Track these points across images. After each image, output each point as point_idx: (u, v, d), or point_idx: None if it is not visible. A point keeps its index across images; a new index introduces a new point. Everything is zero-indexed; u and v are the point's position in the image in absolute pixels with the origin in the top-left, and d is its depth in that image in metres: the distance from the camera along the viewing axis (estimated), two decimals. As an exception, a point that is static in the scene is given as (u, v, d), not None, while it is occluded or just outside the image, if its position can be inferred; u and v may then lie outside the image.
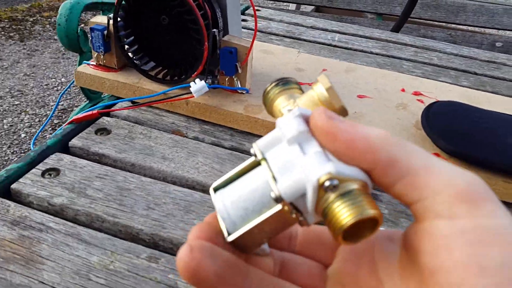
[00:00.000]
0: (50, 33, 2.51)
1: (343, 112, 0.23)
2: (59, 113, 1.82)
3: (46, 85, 2.02)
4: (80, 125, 0.55)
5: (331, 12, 1.91)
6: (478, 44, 1.71)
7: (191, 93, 0.54)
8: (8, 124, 1.74)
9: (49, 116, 0.56)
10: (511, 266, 0.17)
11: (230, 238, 0.20)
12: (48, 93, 1.97)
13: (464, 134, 0.54)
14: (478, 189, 0.19)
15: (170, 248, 0.41)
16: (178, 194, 0.46)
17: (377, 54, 0.95)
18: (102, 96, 0.82)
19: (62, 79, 2.07)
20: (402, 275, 0.20)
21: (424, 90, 0.69)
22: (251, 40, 0.57)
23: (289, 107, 0.24)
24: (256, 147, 0.23)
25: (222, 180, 0.22)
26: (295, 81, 0.25)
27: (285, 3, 2.04)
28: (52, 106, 1.86)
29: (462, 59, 0.99)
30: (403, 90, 0.69)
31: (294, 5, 2.10)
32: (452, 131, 0.54)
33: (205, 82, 0.55)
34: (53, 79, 2.07)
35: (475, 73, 0.92)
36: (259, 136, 0.57)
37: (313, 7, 2.00)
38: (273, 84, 0.25)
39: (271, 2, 1.87)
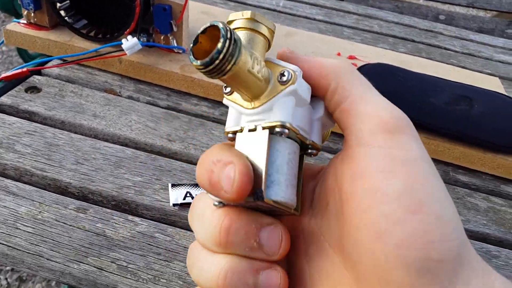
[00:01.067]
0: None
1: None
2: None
3: (-16, 52, 1.92)
4: (10, 84, 0.53)
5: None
6: (423, 16, 1.76)
7: (123, 50, 0.54)
8: None
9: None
10: (408, 194, 0.18)
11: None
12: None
13: (389, 93, 0.56)
14: (400, 123, 0.20)
15: (100, 201, 0.41)
16: (109, 150, 0.46)
17: (320, 20, 0.96)
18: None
19: (3, 48, 1.97)
20: (329, 200, 0.22)
21: (360, 54, 0.72)
22: (185, -2, 0.56)
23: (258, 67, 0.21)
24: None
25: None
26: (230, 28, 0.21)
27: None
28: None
29: (402, 27, 1.02)
30: (339, 54, 0.71)
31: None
32: (380, 92, 0.56)
33: (138, 39, 0.54)
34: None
35: (413, 41, 0.95)
36: (196, 96, 0.58)
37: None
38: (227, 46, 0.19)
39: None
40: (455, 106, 0.56)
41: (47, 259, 0.35)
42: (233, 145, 0.22)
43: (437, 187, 0.19)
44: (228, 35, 0.19)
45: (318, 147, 0.23)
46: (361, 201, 0.19)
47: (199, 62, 0.19)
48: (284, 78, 0.21)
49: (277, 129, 0.21)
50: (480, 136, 0.53)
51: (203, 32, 0.20)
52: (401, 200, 0.18)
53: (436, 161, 0.56)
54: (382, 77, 0.60)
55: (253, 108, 0.22)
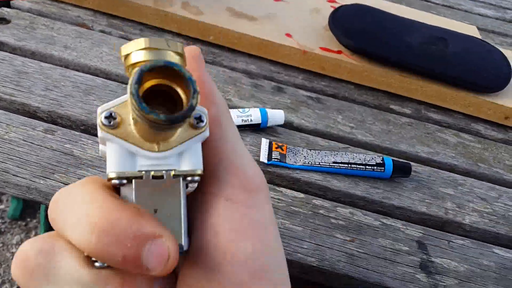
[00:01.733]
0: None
1: None
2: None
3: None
4: (-24, 14, 0.52)
5: None
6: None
7: (96, -17, 0.52)
8: None
9: None
10: (255, 259, 0.18)
11: None
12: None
13: (366, 33, 0.56)
14: (259, 181, 0.20)
15: (69, 125, 0.41)
16: (79, 79, 0.45)
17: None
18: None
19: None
20: None
21: (339, -2, 0.71)
22: None
23: None
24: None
25: None
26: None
27: None
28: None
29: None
30: (319, -4, 0.70)
31: None
32: (355, 30, 0.56)
33: (110, -30, 0.53)
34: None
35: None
36: (170, 32, 0.57)
37: None
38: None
39: None
40: (431, 45, 0.56)
41: (13, 175, 0.34)
42: (114, 192, 0.18)
43: (279, 252, 0.19)
44: (197, 87, 0.17)
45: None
46: (212, 257, 0.18)
47: (164, 117, 0.16)
48: (202, 124, 0.19)
49: (189, 178, 0.18)
50: (453, 74, 0.54)
51: (150, 70, 0.16)
52: (248, 264, 0.18)
53: (408, 99, 0.56)
54: (358, 16, 0.59)
55: (159, 151, 0.18)
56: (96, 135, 0.40)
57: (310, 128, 0.48)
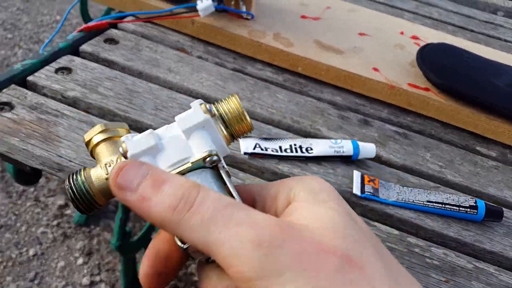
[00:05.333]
0: (47, -34, 2.45)
1: None
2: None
3: (40, 21, 1.99)
4: (90, 34, 0.56)
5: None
6: (480, 11, 1.72)
7: (197, 11, 0.56)
8: (1, 57, 1.73)
9: (59, 24, 0.58)
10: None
11: None
12: (42, 29, 1.94)
13: (454, 71, 0.57)
14: None
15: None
16: (184, 101, 0.49)
17: (380, 2, 0.96)
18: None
19: (57, 17, 2.03)
20: None
21: (422, 35, 0.72)
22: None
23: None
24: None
25: None
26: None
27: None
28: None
29: (461, 16, 1.01)
30: (401, 33, 0.72)
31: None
32: (443, 68, 0.57)
33: (212, 1, 0.56)
34: (48, 16, 2.03)
35: (472, 31, 0.94)
36: (261, 61, 0.60)
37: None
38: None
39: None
40: (519, 89, 0.56)
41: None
42: None
43: None
44: (71, 195, 0.24)
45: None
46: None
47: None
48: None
49: (208, 159, 0.24)
50: (543, 120, 0.53)
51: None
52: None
53: (494, 141, 0.56)
54: (446, 55, 0.60)
55: None
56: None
57: (399, 163, 0.49)
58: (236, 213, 0.20)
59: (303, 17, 0.68)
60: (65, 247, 1.11)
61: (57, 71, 0.48)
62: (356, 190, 0.42)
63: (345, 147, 0.45)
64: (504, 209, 0.45)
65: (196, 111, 0.24)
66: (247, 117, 0.26)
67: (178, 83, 0.52)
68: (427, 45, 0.62)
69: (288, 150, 0.44)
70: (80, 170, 0.25)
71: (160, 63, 0.54)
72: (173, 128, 0.25)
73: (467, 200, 0.42)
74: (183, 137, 0.24)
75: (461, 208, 0.42)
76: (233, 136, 0.26)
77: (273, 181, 0.24)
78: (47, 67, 0.48)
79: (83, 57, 0.53)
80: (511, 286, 0.38)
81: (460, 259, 0.39)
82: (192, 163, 0.23)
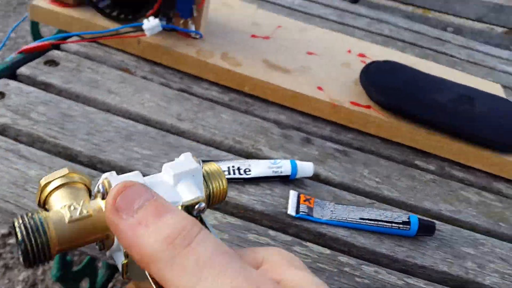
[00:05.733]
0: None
1: None
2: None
3: (-6, 38, 1.95)
4: (30, 56, 0.55)
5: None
6: (432, 27, 1.78)
7: (143, 31, 0.56)
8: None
9: (1, 44, 0.57)
10: None
11: None
12: (-3, 46, 1.89)
13: (396, 89, 0.58)
14: None
15: (108, 170, 0.43)
16: (121, 124, 0.48)
17: (333, 21, 0.98)
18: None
19: (13, 35, 1.99)
20: None
21: (370, 53, 0.74)
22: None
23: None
24: None
25: None
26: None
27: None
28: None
29: (411, 33, 1.04)
30: (349, 51, 0.73)
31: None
32: (386, 86, 0.59)
33: (160, 20, 0.56)
34: (1, 33, 1.99)
35: (421, 46, 0.97)
36: (208, 82, 0.60)
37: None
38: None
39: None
40: (458, 104, 0.58)
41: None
42: None
43: None
44: (22, 244, 0.21)
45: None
46: None
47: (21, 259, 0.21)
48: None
49: (196, 207, 0.24)
50: (479, 134, 0.55)
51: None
52: None
53: (433, 155, 0.57)
54: (390, 73, 0.62)
55: None
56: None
57: (336, 181, 0.49)
58: (233, 263, 0.18)
59: (253, 36, 0.69)
60: (6, 280, 1.06)
61: (-11, 95, 0.47)
62: (291, 210, 0.42)
63: (284, 167, 0.46)
64: (438, 222, 0.46)
65: (188, 159, 0.25)
66: (225, 180, 0.27)
67: (117, 105, 0.51)
68: (371, 63, 0.63)
69: (226, 173, 0.44)
70: (31, 213, 0.22)
71: (100, 85, 0.54)
72: (158, 176, 0.24)
73: (400, 216, 0.43)
74: (171, 181, 0.24)
75: (393, 224, 0.42)
76: (208, 199, 0.26)
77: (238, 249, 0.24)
78: (-21, 92, 0.47)
79: (20, 80, 0.52)
80: (438, 301, 0.38)
81: (391, 276, 0.39)
82: (181, 206, 0.23)
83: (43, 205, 0.24)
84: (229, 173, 0.44)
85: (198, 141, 0.50)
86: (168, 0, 0.58)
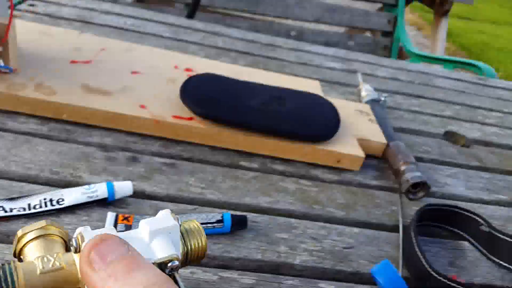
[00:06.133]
0: None
1: None
2: None
3: None
4: None
5: (148, 2, 1.94)
6: (276, 33, 1.91)
7: None
8: None
9: None
10: None
11: None
12: None
13: (212, 99, 0.63)
14: None
15: None
16: None
17: (167, 37, 1.01)
18: None
19: None
20: None
21: (197, 67, 0.77)
22: (8, 17, 0.57)
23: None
24: None
25: None
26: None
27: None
28: None
29: (245, 42, 1.11)
30: (176, 67, 0.76)
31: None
32: (204, 98, 0.63)
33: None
34: None
35: (253, 54, 1.04)
36: (25, 114, 0.58)
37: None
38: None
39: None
40: (269, 105, 0.64)
41: None
42: None
43: None
44: None
45: None
46: None
47: None
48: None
49: (169, 264, 0.25)
50: (289, 129, 0.61)
51: None
52: None
53: (256, 155, 0.63)
54: (207, 85, 0.66)
55: None
56: None
57: (162, 194, 0.52)
58: None
59: (73, 62, 0.69)
60: None
61: None
62: (110, 229, 0.44)
63: (99, 190, 0.47)
64: (255, 214, 0.51)
65: (166, 217, 0.26)
66: (204, 237, 0.27)
67: None
68: (191, 77, 0.67)
69: (37, 206, 0.44)
70: (5, 262, 0.22)
71: None
72: (133, 232, 0.25)
73: (215, 216, 0.47)
74: (147, 238, 0.24)
75: (209, 224, 0.46)
76: (186, 257, 0.27)
77: None
78: None
79: None
80: (248, 286, 0.42)
81: (206, 273, 0.43)
82: (154, 263, 0.23)
83: (18, 255, 0.24)
84: (41, 206, 0.44)
85: (11, 179, 0.48)
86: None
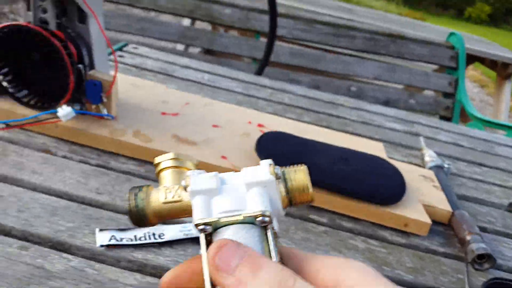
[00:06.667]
0: None
1: None
2: None
3: None
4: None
5: (215, 55, 2.08)
6: (336, 88, 1.99)
7: (58, 118, 0.63)
8: None
9: None
10: None
11: None
12: None
13: (283, 156, 0.69)
14: None
15: (38, 242, 0.48)
16: (46, 201, 0.54)
17: (238, 92, 1.10)
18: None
19: None
20: None
21: (267, 123, 0.85)
22: (113, 75, 0.67)
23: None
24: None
25: None
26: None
27: (173, 43, 2.16)
28: None
29: (307, 99, 1.19)
30: (249, 122, 0.84)
31: (183, 46, 2.24)
32: (277, 154, 0.69)
33: (72, 108, 0.64)
34: None
35: (317, 112, 1.11)
36: (124, 156, 0.67)
37: (200, 48, 2.16)
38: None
39: (153, 39, 1.97)
40: (336, 165, 0.69)
41: (-9, 290, 0.41)
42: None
43: None
44: (130, 209, 0.28)
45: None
46: None
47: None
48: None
49: (259, 219, 0.25)
50: (357, 190, 0.66)
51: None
52: None
53: (325, 210, 0.68)
54: (277, 142, 0.73)
55: None
56: (61, 250, 0.48)
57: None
58: None
59: (163, 113, 0.78)
60: None
61: None
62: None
63: (193, 230, 0.53)
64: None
65: (264, 169, 0.27)
66: (310, 190, 0.28)
67: (41, 183, 0.57)
68: (264, 134, 0.74)
69: (143, 238, 0.51)
70: (142, 187, 0.28)
71: (25, 166, 0.59)
72: (238, 177, 0.27)
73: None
74: (244, 188, 0.26)
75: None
76: (291, 203, 0.28)
77: (313, 255, 0.26)
78: None
79: None
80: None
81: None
82: (244, 217, 0.24)
83: (157, 175, 0.30)
84: (145, 238, 0.51)
85: (117, 211, 0.56)
86: (79, 89, 0.66)
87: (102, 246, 0.49)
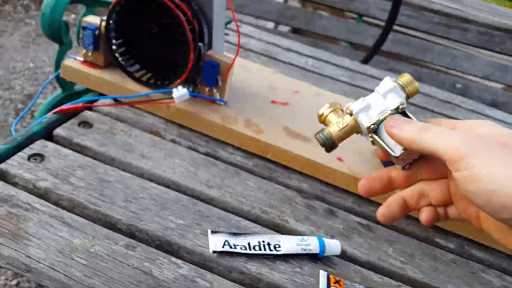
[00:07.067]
0: (21, 15, 2.46)
1: None
2: (24, 98, 1.79)
3: (13, 67, 1.98)
4: (64, 116, 0.57)
5: (306, 35, 1.99)
6: (440, 83, 1.83)
7: (172, 98, 0.58)
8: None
9: (31, 103, 0.58)
10: None
11: None
12: (14, 76, 1.92)
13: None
14: None
15: (146, 240, 0.44)
16: (155, 191, 0.50)
17: (344, 82, 1.01)
18: (75, 88, 0.84)
19: (31, 64, 2.03)
20: None
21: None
22: (233, 56, 0.61)
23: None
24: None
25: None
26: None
27: (263, 21, 2.10)
28: (17, 90, 1.83)
29: (422, 96, 1.07)
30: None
31: (272, 24, 2.16)
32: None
33: (187, 90, 0.59)
34: (21, 63, 2.03)
35: (433, 111, 1.00)
36: (232, 146, 0.62)
37: (289, 27, 2.08)
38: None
39: (251, 17, 1.91)
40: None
41: (100, 292, 0.37)
42: None
43: None
44: (322, 143, 0.42)
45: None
46: None
47: None
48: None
49: (400, 107, 0.39)
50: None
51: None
52: None
53: (453, 234, 0.59)
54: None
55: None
56: (169, 252, 0.44)
57: (363, 259, 0.50)
58: (451, 131, 0.35)
59: (273, 102, 0.71)
60: None
61: (29, 158, 0.48)
62: (322, 291, 0.43)
63: (312, 244, 0.47)
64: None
65: (388, 82, 0.39)
66: (415, 83, 0.40)
67: (150, 170, 0.53)
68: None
69: (257, 248, 0.45)
70: (323, 129, 0.41)
71: (133, 148, 0.55)
72: (373, 95, 0.39)
73: (427, 302, 0.44)
74: (381, 98, 0.39)
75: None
76: (407, 97, 0.40)
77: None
78: (20, 154, 0.49)
79: (57, 142, 0.53)
80: None
81: None
82: (391, 110, 0.38)
83: (323, 122, 0.43)
84: (260, 249, 0.45)
85: (226, 210, 0.51)
86: (195, 69, 0.60)
87: (214, 252, 0.44)
